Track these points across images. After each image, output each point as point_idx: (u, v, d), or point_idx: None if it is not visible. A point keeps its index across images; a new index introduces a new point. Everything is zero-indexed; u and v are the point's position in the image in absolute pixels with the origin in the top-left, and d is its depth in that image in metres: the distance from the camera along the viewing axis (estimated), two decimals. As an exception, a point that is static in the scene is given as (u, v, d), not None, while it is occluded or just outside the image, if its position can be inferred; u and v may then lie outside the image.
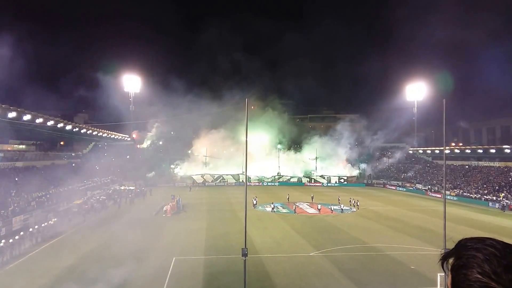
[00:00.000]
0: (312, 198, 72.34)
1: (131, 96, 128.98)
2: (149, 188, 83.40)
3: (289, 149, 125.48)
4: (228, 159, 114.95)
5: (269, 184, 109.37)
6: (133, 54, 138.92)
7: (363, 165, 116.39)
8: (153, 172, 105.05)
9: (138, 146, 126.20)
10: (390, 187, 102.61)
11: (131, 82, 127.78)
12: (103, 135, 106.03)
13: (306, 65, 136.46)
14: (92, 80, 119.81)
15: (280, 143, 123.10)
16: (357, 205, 64.21)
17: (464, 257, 1.80)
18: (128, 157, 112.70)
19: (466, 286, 1.73)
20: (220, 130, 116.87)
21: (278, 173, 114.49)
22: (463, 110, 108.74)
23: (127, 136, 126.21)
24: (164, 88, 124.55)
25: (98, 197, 65.11)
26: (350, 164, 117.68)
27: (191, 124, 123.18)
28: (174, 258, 32.59)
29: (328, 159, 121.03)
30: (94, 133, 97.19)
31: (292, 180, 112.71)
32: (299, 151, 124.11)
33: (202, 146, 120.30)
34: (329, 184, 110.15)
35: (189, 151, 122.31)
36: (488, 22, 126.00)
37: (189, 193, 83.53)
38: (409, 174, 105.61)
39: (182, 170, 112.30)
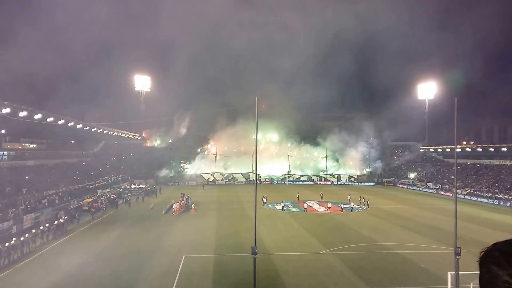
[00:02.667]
0: (322, 196, 72.16)
1: (142, 95, 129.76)
2: (159, 187, 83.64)
3: (299, 148, 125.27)
4: (238, 158, 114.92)
5: (279, 182, 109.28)
6: (144, 53, 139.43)
7: (373, 164, 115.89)
8: (167, 171, 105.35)
9: (148, 144, 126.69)
10: (400, 185, 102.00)
11: (141, 82, 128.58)
12: (114, 134, 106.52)
13: (315, 64, 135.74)
14: (104, 80, 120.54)
15: (290, 142, 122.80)
16: (368, 203, 63.91)
17: (495, 256, 1.70)
18: (138, 155, 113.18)
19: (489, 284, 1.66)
20: (230, 130, 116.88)
21: (288, 171, 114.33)
22: (475, 109, 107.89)
23: (138, 134, 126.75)
24: (175, 86, 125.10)
25: (108, 195, 65.43)
26: (360, 163, 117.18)
27: (201, 123, 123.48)
28: (184, 256, 32.61)
29: (338, 157, 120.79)
30: (104, 131, 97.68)
31: (302, 178, 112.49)
32: (309, 150, 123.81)
33: (213, 145, 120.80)
34: (339, 183, 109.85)
35: (199, 150, 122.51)
36: (501, 21, 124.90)
37: (200, 191, 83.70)
38: (420, 172, 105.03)
39: (192, 168, 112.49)
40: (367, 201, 64.59)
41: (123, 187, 79.01)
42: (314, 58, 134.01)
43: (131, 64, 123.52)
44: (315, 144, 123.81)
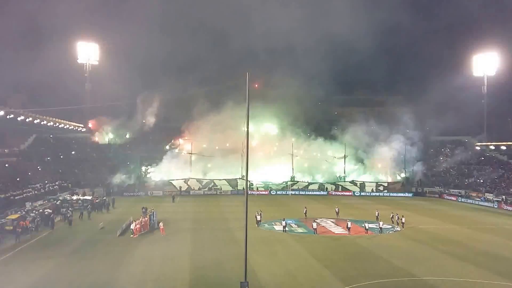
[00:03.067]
0: (338, 212, 72.32)
1: (88, 69, 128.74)
2: (112, 198, 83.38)
3: (307, 144, 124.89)
4: (222, 159, 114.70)
5: (278, 193, 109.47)
6: (90, 12, 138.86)
7: (411, 167, 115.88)
8: (124, 176, 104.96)
9: (97, 139, 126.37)
10: (448, 197, 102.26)
11: (87, 51, 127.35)
12: (48, 124, 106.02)
13: (331, 27, 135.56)
14: (34, 49, 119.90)
15: (294, 136, 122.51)
16: (402, 222, 64.09)
17: None
18: (82, 154, 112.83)
19: None
20: (211, 119, 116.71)
21: (291, 177, 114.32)
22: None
23: (81, 125, 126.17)
24: (133, 59, 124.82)
25: (41, 210, 65.07)
26: (393, 165, 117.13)
27: (172, 110, 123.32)
28: (146, 296, 32.62)
29: (362, 158, 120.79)
30: (35, 121, 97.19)
31: (311, 187, 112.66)
32: (322, 147, 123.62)
33: (187, 139, 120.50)
34: (362, 194, 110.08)
35: (168, 147, 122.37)
36: None
37: (169, 205, 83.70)
38: (477, 179, 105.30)
39: (159, 173, 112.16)
40: (401, 219, 64.77)
41: (61, 198, 78.67)
42: (330, 18, 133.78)
43: (72, 26, 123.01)
44: (330, 139, 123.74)
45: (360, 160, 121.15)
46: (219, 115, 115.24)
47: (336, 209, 73.88)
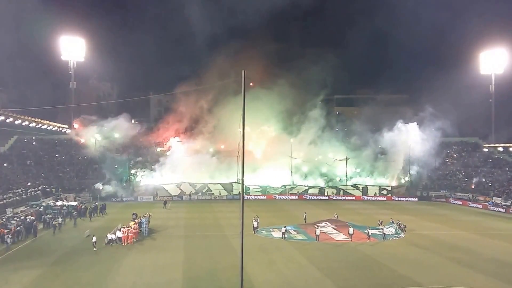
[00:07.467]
0: (337, 217, 72.47)
1: (72, 67, 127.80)
2: (102, 204, 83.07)
3: (306, 145, 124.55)
4: (216, 161, 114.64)
5: (277, 197, 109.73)
6: (74, 4, 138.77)
7: (415, 170, 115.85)
8: (113, 181, 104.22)
9: (83, 141, 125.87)
10: (455, 201, 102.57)
11: (71, 47, 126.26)
12: (30, 125, 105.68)
13: (330, 24, 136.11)
14: (14, 44, 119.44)
15: (293, 136, 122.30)
16: (401, 227, 64.02)
17: None
18: (67, 157, 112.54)
19: None
20: (204, 119, 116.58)
21: (291, 182, 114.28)
22: None
23: (66, 126, 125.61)
24: (121, 55, 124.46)
25: (22, 217, 64.84)
26: (397, 168, 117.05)
27: (161, 110, 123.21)
28: (136, 307, 32.59)
29: (364, 160, 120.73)
30: (16, 121, 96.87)
31: (311, 191, 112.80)
32: (322, 149, 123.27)
33: (180, 142, 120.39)
34: (365, 198, 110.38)
35: (159, 150, 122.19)
36: None
37: (161, 211, 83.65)
38: (485, 183, 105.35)
39: (149, 177, 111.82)
40: (399, 224, 64.45)
41: (44, 204, 78.38)
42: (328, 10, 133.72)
43: (55, 20, 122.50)
44: (331, 140, 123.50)
45: (361, 162, 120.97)
46: (212, 115, 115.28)
47: (335, 215, 74.01)
